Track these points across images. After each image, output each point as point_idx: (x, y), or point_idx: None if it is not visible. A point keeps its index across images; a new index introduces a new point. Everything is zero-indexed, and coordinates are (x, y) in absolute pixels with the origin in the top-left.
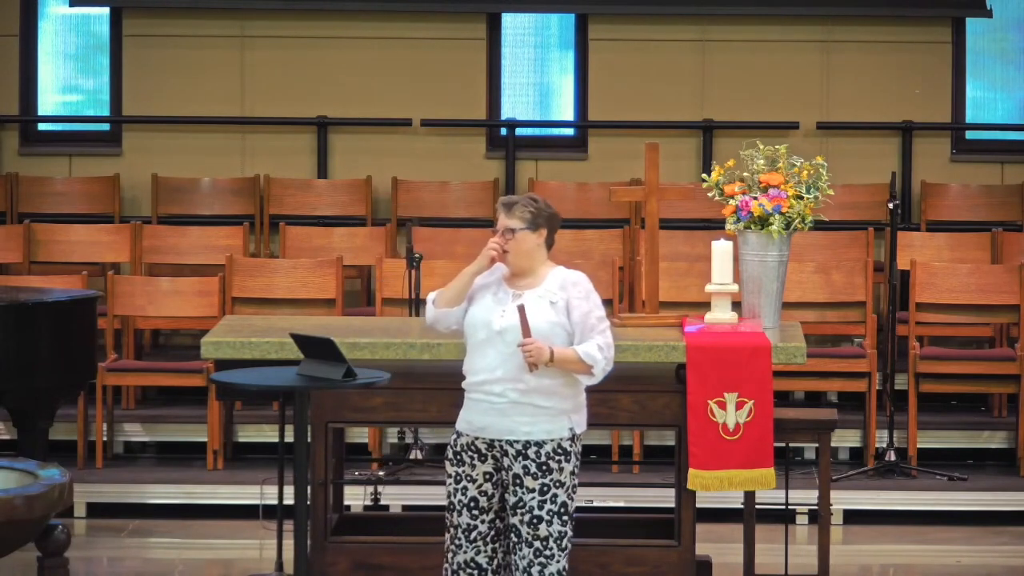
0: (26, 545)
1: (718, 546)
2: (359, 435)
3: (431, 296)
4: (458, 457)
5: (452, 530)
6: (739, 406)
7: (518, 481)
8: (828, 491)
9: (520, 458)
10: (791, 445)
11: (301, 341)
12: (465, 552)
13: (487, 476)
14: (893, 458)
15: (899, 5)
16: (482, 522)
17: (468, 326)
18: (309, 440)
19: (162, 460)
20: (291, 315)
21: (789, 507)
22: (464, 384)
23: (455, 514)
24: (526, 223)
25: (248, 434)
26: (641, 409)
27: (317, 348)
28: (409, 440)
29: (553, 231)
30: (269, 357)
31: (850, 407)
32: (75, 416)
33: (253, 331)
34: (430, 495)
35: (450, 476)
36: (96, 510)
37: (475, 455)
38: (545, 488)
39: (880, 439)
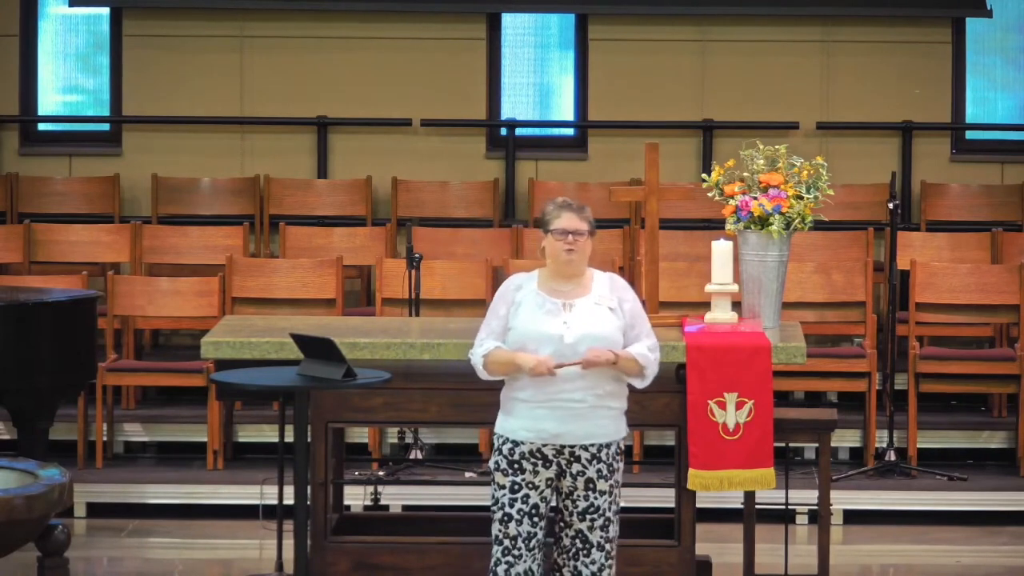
0: (26, 545)
1: (718, 546)
2: (359, 435)
3: (481, 352)
4: (517, 465)
5: (508, 541)
6: (739, 406)
7: (591, 485)
8: (828, 491)
9: (595, 461)
10: (791, 445)
11: (301, 341)
12: (524, 562)
13: (548, 482)
14: (893, 458)
15: (899, 5)
16: (540, 529)
17: (524, 341)
18: (309, 440)
19: (162, 460)
20: (291, 315)
21: (789, 507)
22: (527, 395)
23: (513, 524)
24: (590, 227)
25: (248, 434)
26: (641, 409)
27: (317, 348)
28: (409, 440)
29: None
30: (269, 357)
31: (850, 407)
32: (75, 416)
33: (253, 331)
34: (430, 495)
35: (503, 487)
36: (96, 510)
37: (539, 461)
38: (612, 489)
39: (880, 439)
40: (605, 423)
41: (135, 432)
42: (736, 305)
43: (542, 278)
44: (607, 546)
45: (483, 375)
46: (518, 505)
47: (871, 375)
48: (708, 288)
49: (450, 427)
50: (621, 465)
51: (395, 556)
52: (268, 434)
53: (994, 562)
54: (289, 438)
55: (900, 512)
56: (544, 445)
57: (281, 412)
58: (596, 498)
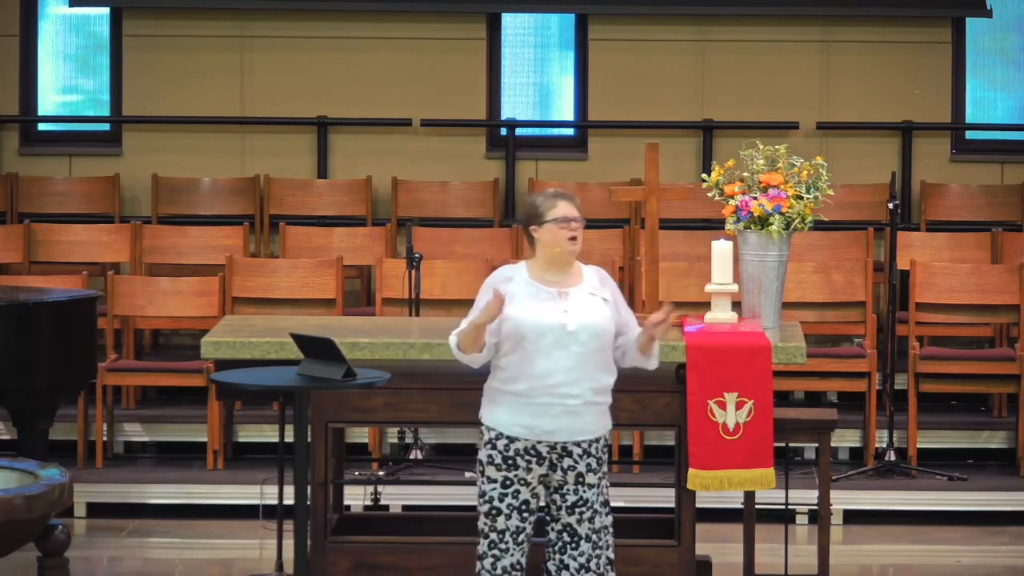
0: (26, 545)
1: (718, 546)
2: (359, 435)
3: (455, 332)
4: (511, 461)
5: (495, 535)
6: (739, 406)
7: (581, 479)
8: (828, 491)
9: (585, 456)
10: (791, 445)
11: (301, 341)
12: (512, 555)
13: (541, 478)
14: (893, 458)
15: (899, 5)
16: (529, 524)
17: (522, 330)
18: (309, 440)
19: (162, 460)
20: (291, 315)
21: (789, 507)
22: (522, 389)
23: (502, 518)
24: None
25: (248, 434)
26: (641, 409)
27: (317, 348)
28: (409, 440)
29: None
30: (269, 357)
31: (850, 407)
32: (75, 416)
33: (253, 331)
34: (430, 495)
35: (494, 481)
36: (96, 510)
37: (533, 458)
38: (600, 481)
39: (880, 439)
40: (595, 419)
41: (135, 432)
42: (736, 305)
43: (532, 269)
44: (594, 536)
45: (458, 355)
46: (508, 500)
47: (871, 375)
48: (708, 288)
49: (450, 427)
50: (607, 457)
51: (395, 556)
52: (268, 434)
53: (994, 562)
54: (289, 438)
55: (900, 512)
56: (539, 442)
57: (281, 412)
58: (585, 491)
